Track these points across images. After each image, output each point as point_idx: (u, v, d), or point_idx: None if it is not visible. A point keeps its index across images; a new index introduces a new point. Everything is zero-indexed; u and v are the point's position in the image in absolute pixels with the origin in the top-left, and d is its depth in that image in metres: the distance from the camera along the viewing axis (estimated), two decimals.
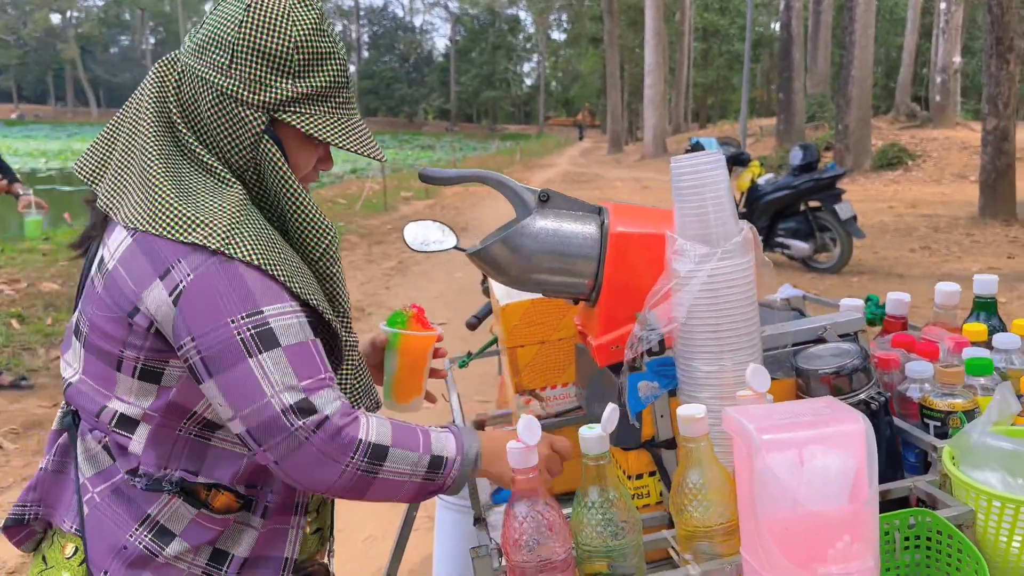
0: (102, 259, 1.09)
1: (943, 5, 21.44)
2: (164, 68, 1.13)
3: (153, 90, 1.12)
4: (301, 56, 1.09)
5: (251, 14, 1.08)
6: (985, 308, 1.39)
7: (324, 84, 1.12)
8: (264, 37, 1.07)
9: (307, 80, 1.10)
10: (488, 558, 1.03)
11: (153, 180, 1.06)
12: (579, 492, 1.00)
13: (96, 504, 1.11)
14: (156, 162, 1.07)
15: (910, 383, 1.21)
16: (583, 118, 67.51)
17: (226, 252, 1.02)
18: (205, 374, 1.02)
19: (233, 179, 1.09)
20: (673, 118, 39.28)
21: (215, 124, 1.09)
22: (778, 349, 1.20)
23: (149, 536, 1.09)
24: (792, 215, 8.04)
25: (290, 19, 1.09)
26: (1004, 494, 0.97)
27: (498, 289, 1.57)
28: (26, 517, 1.18)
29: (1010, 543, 0.96)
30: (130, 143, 1.11)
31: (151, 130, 1.09)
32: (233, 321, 1.01)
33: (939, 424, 1.14)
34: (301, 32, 1.09)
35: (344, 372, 1.18)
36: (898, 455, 1.18)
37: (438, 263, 8.34)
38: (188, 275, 1.01)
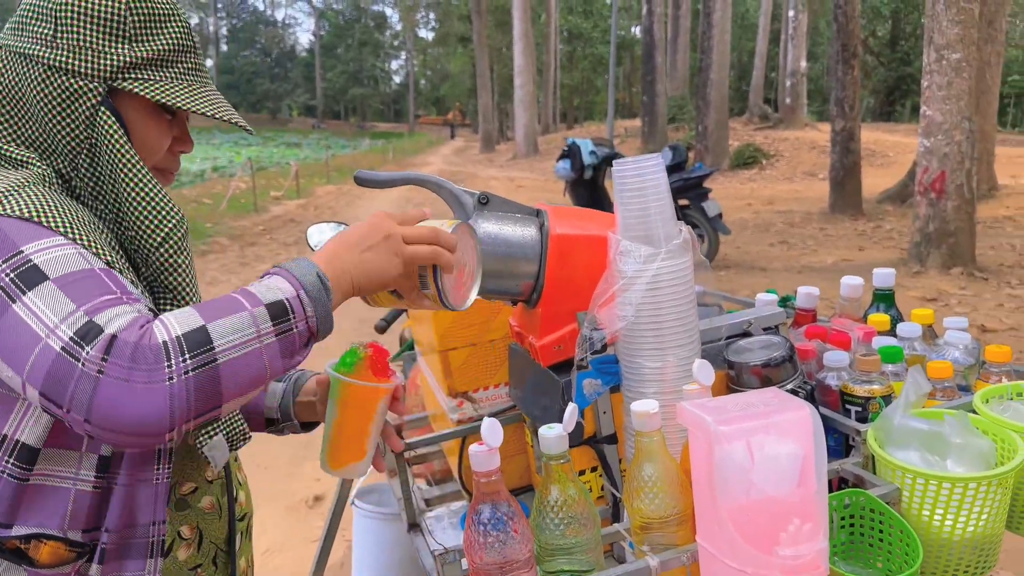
0: None
1: (791, 13, 22.86)
2: None
3: None
4: (135, 17, 0.99)
5: None
6: (884, 300, 1.51)
7: (167, 47, 1.01)
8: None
9: (146, 43, 1.00)
10: (456, 564, 1.03)
11: None
12: (539, 492, 1.01)
13: None
14: None
15: (828, 372, 1.30)
16: (454, 117, 67.59)
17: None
18: None
19: (38, 163, 0.97)
20: (543, 118, 39.98)
21: (42, 105, 0.97)
22: (711, 343, 1.25)
23: None
24: None
25: None
26: (926, 471, 1.05)
27: None
28: None
29: (932, 516, 1.05)
30: None
31: None
32: None
33: (860, 409, 1.22)
34: None
35: None
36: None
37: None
38: None
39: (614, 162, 1.13)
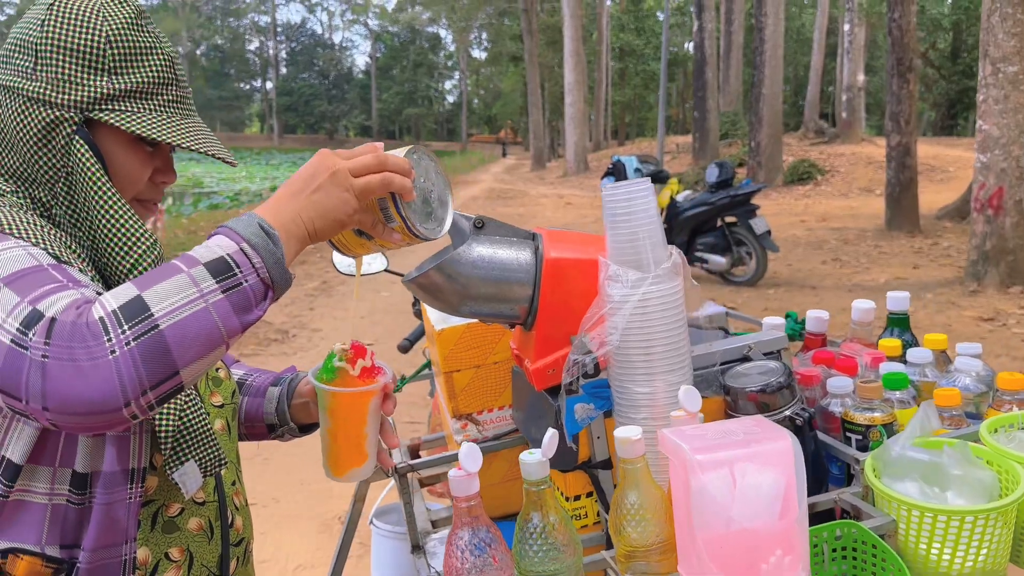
0: None
1: (847, 27, 22.49)
2: None
3: None
4: (115, 51, 1.01)
5: (54, 12, 1.00)
6: (898, 324, 1.47)
7: (147, 80, 1.03)
8: (70, 33, 0.99)
9: (125, 76, 1.02)
10: None
11: None
12: (520, 517, 1.01)
13: None
14: None
15: (831, 398, 1.27)
16: (506, 135, 67.99)
17: None
18: None
19: (10, 192, 1.00)
20: (594, 135, 39.96)
21: (20, 134, 1.00)
22: (707, 368, 1.24)
23: None
24: (710, 230, 8.29)
25: (99, 15, 1.01)
26: (922, 503, 1.02)
27: (433, 314, 1.57)
28: None
29: (929, 550, 1.02)
30: None
31: None
32: None
33: (860, 437, 1.19)
34: (113, 26, 1.01)
35: (165, 415, 1.00)
36: (823, 468, 1.23)
37: (364, 281, 8.27)
38: None
39: (604, 187, 1.13)
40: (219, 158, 1.08)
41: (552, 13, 43.15)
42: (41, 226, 0.97)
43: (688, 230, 8.29)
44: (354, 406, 1.06)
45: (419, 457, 1.69)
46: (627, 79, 50.62)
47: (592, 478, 1.23)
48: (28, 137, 1.00)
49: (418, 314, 2.66)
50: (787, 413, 1.19)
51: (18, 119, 1.00)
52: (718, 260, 8.16)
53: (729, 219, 8.15)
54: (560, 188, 23.64)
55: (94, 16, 1.01)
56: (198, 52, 73.77)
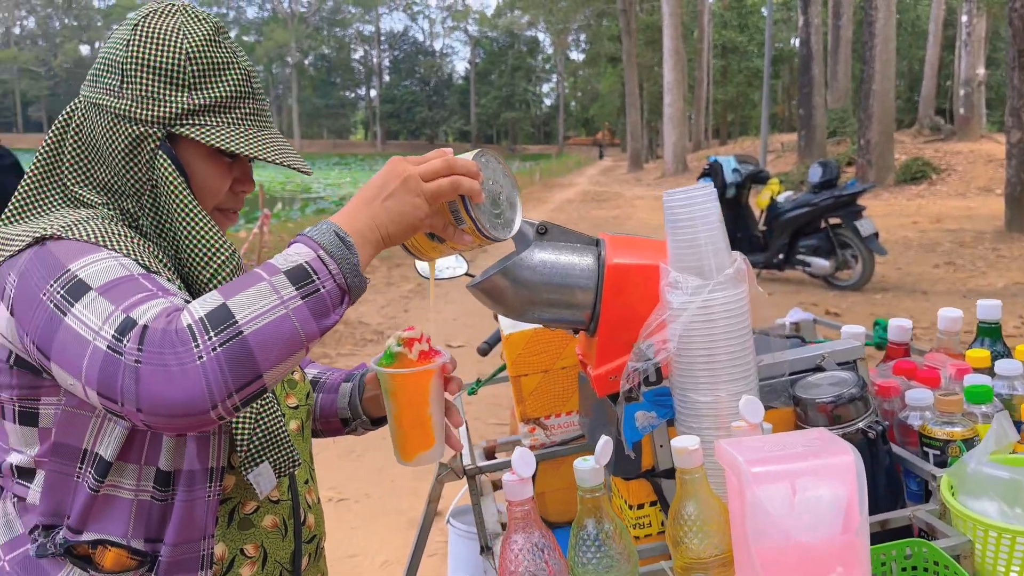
0: None
1: (965, 17, 21.33)
2: (68, 108, 1.11)
3: (51, 133, 1.10)
4: (195, 67, 1.05)
5: (138, 32, 1.06)
6: (989, 334, 1.39)
7: (225, 94, 1.07)
8: (153, 52, 1.04)
9: (204, 91, 1.06)
10: None
11: (1, 222, 1.07)
12: (575, 524, 1.01)
13: (6, 573, 1.05)
14: (15, 205, 1.07)
15: (910, 411, 1.21)
16: (603, 137, 67.66)
17: (37, 239, 0.97)
18: (47, 362, 0.92)
19: (102, 205, 1.06)
20: (693, 135, 39.30)
21: (110, 150, 1.06)
22: (776, 378, 1.20)
23: None
24: (812, 232, 8.01)
25: (180, 33, 1.06)
26: (1001, 524, 0.96)
27: (503, 319, 1.59)
28: None
29: (1007, 574, 0.96)
30: None
31: (32, 173, 1.08)
32: (44, 294, 0.92)
33: (938, 453, 1.13)
34: (192, 43, 1.06)
35: (241, 417, 1.05)
36: (899, 483, 1.17)
37: (455, 285, 8.36)
38: (14, 281, 0.96)
39: (664, 194, 1.11)
40: (293, 167, 1.12)
41: (651, 12, 42.67)
42: (130, 237, 1.02)
43: (789, 232, 8.04)
44: (414, 386, 1.10)
45: (495, 459, 1.71)
46: (729, 77, 49.52)
47: (655, 487, 1.22)
48: (116, 152, 1.06)
49: (496, 317, 2.70)
50: (859, 425, 1.14)
51: (107, 135, 1.06)
52: (821, 263, 7.87)
53: (834, 221, 7.85)
54: (657, 190, 23.34)
55: (175, 35, 1.06)
56: (306, 62, 76.54)
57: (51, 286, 0.93)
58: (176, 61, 1.05)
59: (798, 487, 0.90)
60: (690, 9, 39.71)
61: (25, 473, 1.05)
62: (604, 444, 0.99)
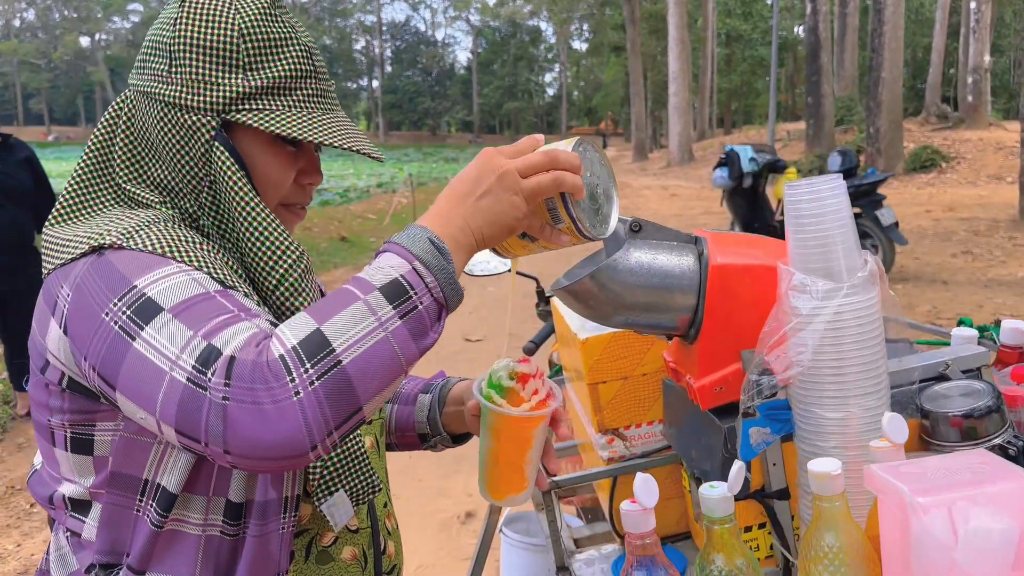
0: None
1: (973, 4, 21.13)
2: (118, 100, 1.00)
3: (100, 126, 0.99)
4: (250, 44, 0.93)
5: (185, 9, 0.94)
6: None
7: (284, 74, 0.95)
8: (203, 30, 0.92)
9: (261, 71, 0.94)
10: None
11: (50, 224, 0.95)
12: (700, 559, 0.90)
13: None
14: (64, 204, 0.96)
15: None
16: (606, 127, 67.31)
17: (94, 247, 0.86)
18: (111, 391, 0.82)
19: (158, 204, 0.95)
20: (698, 124, 39.05)
21: (163, 142, 0.94)
22: (901, 387, 1.10)
23: None
24: None
25: (232, 7, 0.94)
26: None
27: (573, 320, 1.48)
28: None
29: None
30: None
31: (80, 170, 0.98)
32: (107, 314, 0.81)
33: None
34: (246, 18, 0.94)
35: None
36: None
37: (472, 278, 8.28)
38: (68, 295, 0.86)
39: (786, 186, 1.00)
40: (365, 154, 1.00)
41: (655, 1, 42.41)
42: (198, 243, 0.91)
43: None
44: (522, 430, 0.99)
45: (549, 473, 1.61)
46: (733, 66, 49.27)
47: (767, 509, 1.11)
48: (169, 145, 0.94)
49: (542, 316, 2.57)
50: (997, 442, 1.04)
51: (158, 127, 0.94)
52: None
53: (853, 210, 7.72)
54: (664, 179, 23.20)
55: (226, 9, 0.94)
56: None
57: (115, 305, 0.81)
58: (229, 39, 0.93)
59: (966, 517, 0.80)
60: None
61: (79, 506, 0.95)
62: (738, 470, 0.88)
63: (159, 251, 0.86)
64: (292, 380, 0.73)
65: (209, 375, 0.74)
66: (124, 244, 0.87)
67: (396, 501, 3.68)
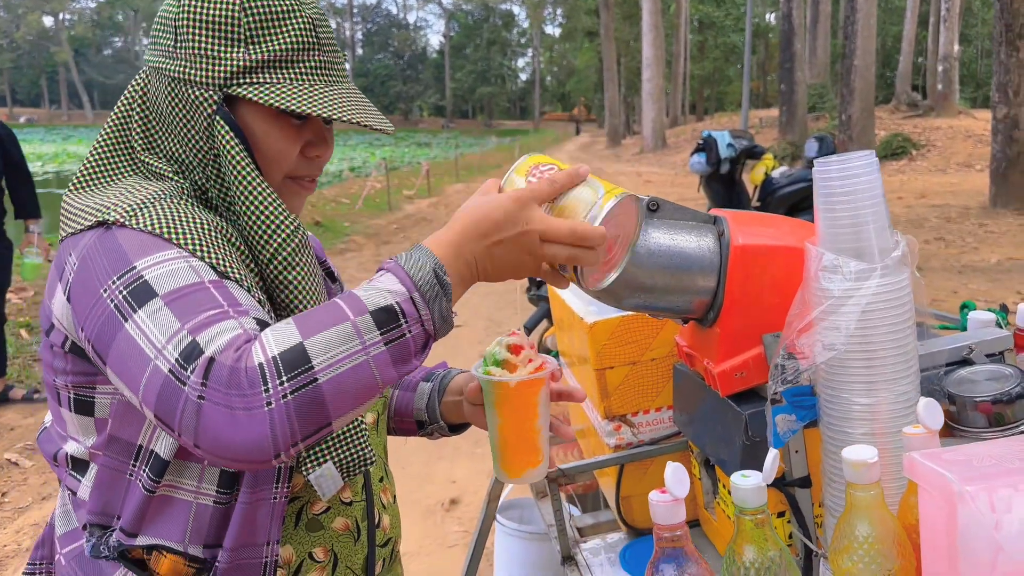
0: None
1: None
2: (138, 75, 1.01)
3: (122, 100, 1.00)
4: (251, 17, 0.93)
5: None
6: None
7: (286, 46, 0.94)
8: (205, 5, 0.93)
9: (263, 44, 0.93)
10: None
11: (69, 191, 0.97)
12: (730, 550, 0.86)
13: (62, 568, 0.99)
14: (82, 172, 0.98)
15: None
16: (579, 112, 67.28)
17: (121, 221, 0.88)
18: (102, 363, 0.84)
19: (172, 175, 0.96)
20: (671, 111, 39.12)
21: (172, 116, 0.96)
22: (926, 371, 1.07)
23: None
24: (808, 208, 7.92)
25: None
26: None
27: (577, 304, 1.43)
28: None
29: None
30: None
31: (93, 154, 0.99)
32: (105, 290, 0.83)
33: None
34: None
35: None
36: None
37: None
38: (75, 264, 0.88)
39: (817, 163, 0.96)
40: (372, 128, 0.97)
41: None
42: (199, 223, 0.90)
43: (785, 208, 7.94)
44: (524, 397, 0.99)
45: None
46: (706, 52, 49.42)
47: (788, 497, 1.08)
48: (177, 119, 0.95)
49: (532, 301, 2.53)
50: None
51: (167, 101, 0.95)
52: None
53: None
54: (638, 165, 23.23)
55: None
56: None
57: (113, 283, 0.83)
58: (230, 12, 0.93)
59: (1011, 505, 0.77)
60: None
61: (79, 465, 0.97)
62: (773, 459, 0.85)
63: (162, 232, 0.87)
64: (266, 390, 0.74)
65: (189, 372, 0.75)
66: (128, 222, 0.88)
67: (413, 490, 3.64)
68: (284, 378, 0.74)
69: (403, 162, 26.64)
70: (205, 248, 0.87)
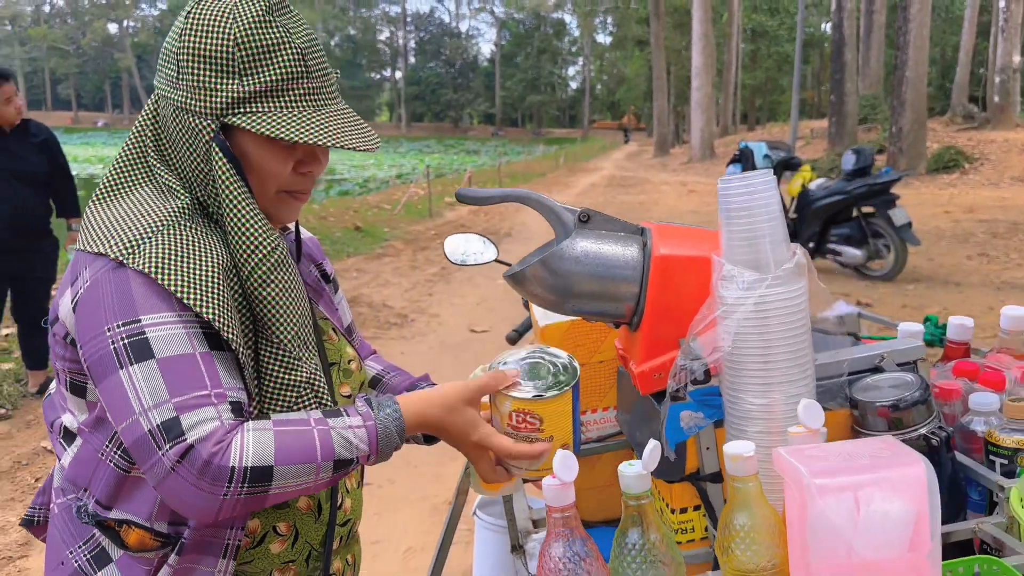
0: None
1: (1002, 3, 20.82)
2: (152, 96, 1.12)
3: (138, 120, 1.11)
4: (244, 52, 1.02)
5: (189, 20, 1.03)
6: None
7: (277, 77, 1.03)
8: (203, 40, 1.02)
9: (255, 76, 1.02)
10: None
11: (91, 208, 1.08)
12: (618, 532, 0.95)
13: (55, 515, 1.13)
14: (103, 191, 1.08)
15: (974, 416, 1.14)
16: (628, 121, 67.05)
17: (120, 259, 0.98)
18: (92, 383, 0.99)
19: (182, 192, 1.06)
20: (721, 120, 38.82)
21: (178, 140, 1.06)
22: (832, 378, 1.13)
23: (87, 556, 1.07)
24: (844, 221, 7.85)
25: (229, 16, 1.02)
26: None
27: (537, 309, 1.52)
28: (35, 519, 1.22)
29: None
30: None
31: (115, 162, 1.10)
32: (109, 330, 0.95)
33: (1006, 462, 1.06)
34: (241, 27, 1.02)
35: (280, 402, 1.06)
36: (961, 493, 1.10)
37: (481, 269, 8.31)
38: (86, 282, 0.99)
39: (720, 181, 1.04)
40: (350, 148, 1.05)
41: None
42: (195, 258, 1.00)
43: (821, 220, 7.88)
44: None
45: None
46: (759, 62, 48.90)
47: (700, 491, 1.15)
48: (181, 142, 1.06)
49: (527, 306, 2.63)
50: (922, 431, 1.07)
51: (173, 126, 1.06)
52: (853, 253, 7.72)
53: (866, 209, 7.68)
54: (683, 175, 23.11)
55: (223, 19, 1.02)
56: (332, 43, 76.53)
57: (118, 327, 0.96)
58: (224, 48, 1.02)
59: (863, 501, 0.84)
60: None
61: (68, 435, 1.10)
62: (652, 449, 0.93)
63: (158, 277, 0.97)
64: (228, 489, 0.91)
65: (167, 446, 0.91)
66: (127, 260, 0.98)
67: (394, 485, 3.74)
68: (245, 486, 0.92)
69: (450, 169, 26.93)
70: (195, 296, 0.97)
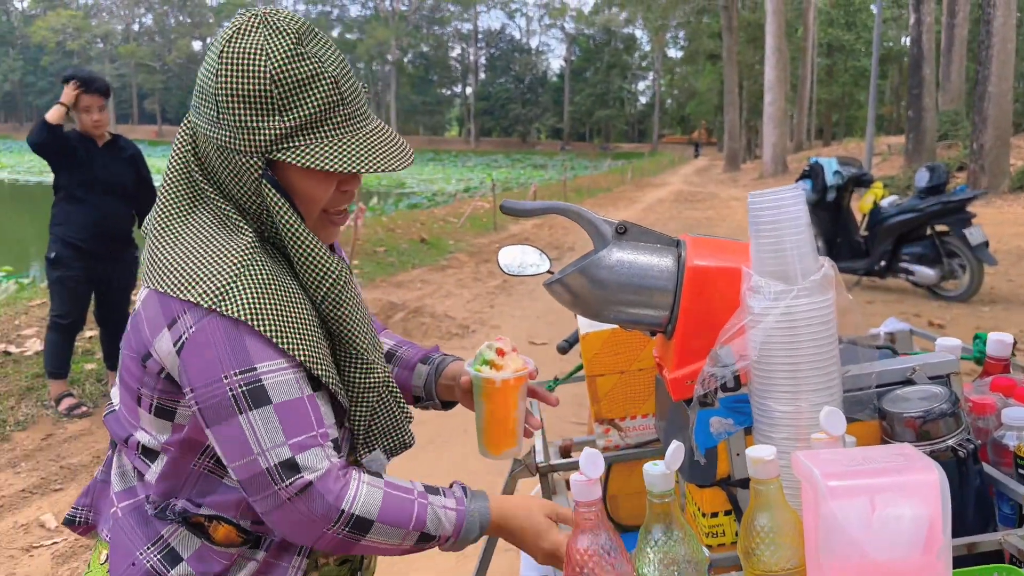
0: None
1: None
2: (186, 122, 1.14)
3: (177, 142, 1.13)
4: (281, 89, 1.03)
5: (223, 60, 1.04)
6: None
7: (314, 110, 1.05)
8: (239, 80, 1.03)
9: (295, 111, 1.04)
10: None
11: (156, 237, 1.10)
12: (643, 529, 0.99)
13: (119, 519, 1.16)
14: (162, 218, 1.11)
15: (1006, 430, 1.15)
16: (699, 136, 66.36)
17: (212, 307, 1.02)
18: (203, 424, 1.05)
19: (245, 225, 1.09)
20: (795, 135, 38.14)
21: (224, 174, 1.09)
22: (863, 390, 1.16)
23: (158, 556, 1.12)
24: (917, 239, 7.65)
25: (262, 54, 1.03)
26: None
27: (580, 318, 1.58)
28: (77, 519, 1.26)
29: None
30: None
31: (167, 185, 1.13)
32: (227, 377, 1.02)
33: None
34: (275, 63, 1.03)
35: (357, 416, 1.16)
36: (990, 506, 1.11)
37: (542, 282, 8.36)
38: (191, 327, 1.03)
39: (750, 195, 1.08)
40: (387, 171, 1.09)
41: (754, 9, 41.68)
42: (279, 300, 1.06)
43: (893, 238, 7.70)
44: (506, 391, 1.26)
45: (570, 458, 1.71)
46: (835, 76, 47.86)
47: (730, 496, 1.19)
48: (229, 177, 1.09)
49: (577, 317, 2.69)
50: (949, 443, 1.09)
51: (218, 162, 1.09)
52: (926, 272, 7.51)
53: (940, 228, 7.47)
54: (754, 191, 22.70)
55: (257, 57, 1.03)
56: (405, 60, 77.95)
57: (235, 375, 1.03)
58: (262, 86, 1.03)
59: (877, 504, 0.87)
60: (795, 6, 38.59)
61: (149, 453, 1.14)
62: (675, 449, 0.97)
63: (267, 334, 1.04)
64: (333, 527, 1.05)
65: (285, 482, 1.03)
66: (219, 307, 1.03)
67: (416, 472, 3.81)
68: (346, 529, 1.05)
69: (517, 183, 27.13)
70: (290, 341, 1.05)
